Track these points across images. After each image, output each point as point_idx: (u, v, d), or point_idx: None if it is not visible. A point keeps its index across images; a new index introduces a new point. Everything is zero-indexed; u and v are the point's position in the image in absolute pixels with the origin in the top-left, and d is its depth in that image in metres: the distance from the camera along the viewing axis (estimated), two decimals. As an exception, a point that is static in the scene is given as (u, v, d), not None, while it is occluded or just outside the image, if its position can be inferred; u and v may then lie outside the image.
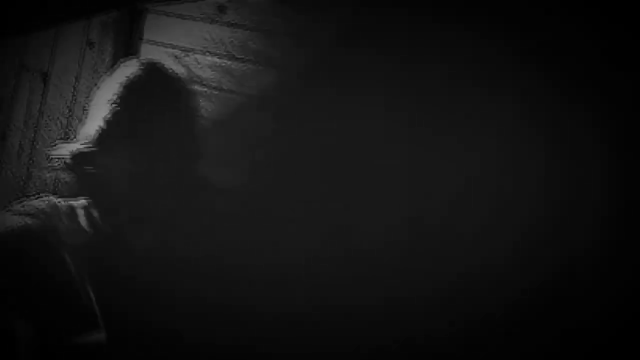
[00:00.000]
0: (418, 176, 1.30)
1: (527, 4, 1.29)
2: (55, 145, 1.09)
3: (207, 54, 1.35)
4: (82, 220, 1.12)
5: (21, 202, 1.14)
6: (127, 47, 1.40)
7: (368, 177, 1.30)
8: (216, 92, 1.33)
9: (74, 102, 1.43)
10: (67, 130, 1.44)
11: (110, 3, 1.27)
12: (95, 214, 1.10)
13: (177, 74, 1.12)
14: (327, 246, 1.24)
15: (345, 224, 1.27)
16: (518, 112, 1.30)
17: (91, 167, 1.05)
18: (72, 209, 1.14)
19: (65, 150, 1.07)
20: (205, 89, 1.34)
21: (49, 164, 1.36)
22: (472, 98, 1.31)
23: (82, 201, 1.13)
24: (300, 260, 1.23)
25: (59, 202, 1.15)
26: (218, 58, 1.34)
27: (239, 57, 1.31)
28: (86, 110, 1.11)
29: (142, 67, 1.11)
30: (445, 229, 1.28)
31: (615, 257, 1.23)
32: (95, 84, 1.32)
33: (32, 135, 1.34)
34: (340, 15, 1.29)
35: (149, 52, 1.42)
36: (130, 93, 1.08)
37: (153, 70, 1.12)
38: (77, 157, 1.05)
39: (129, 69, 1.11)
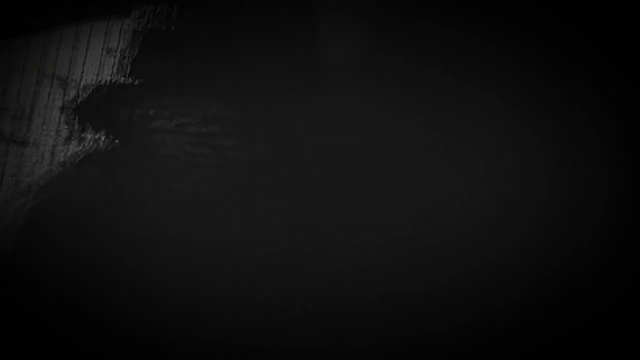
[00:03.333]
0: (423, 176, 1.30)
1: (529, 15, 1.30)
2: None
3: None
4: None
5: None
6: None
7: (375, 177, 1.30)
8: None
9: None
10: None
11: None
12: None
13: None
14: (331, 243, 1.24)
15: (349, 222, 1.27)
16: (519, 113, 1.30)
17: None
18: None
19: None
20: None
21: None
22: (475, 99, 1.31)
23: None
24: (303, 257, 1.23)
25: None
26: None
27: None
28: None
29: None
30: (449, 227, 1.28)
31: (614, 257, 1.24)
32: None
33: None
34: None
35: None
36: None
37: None
38: None
39: None
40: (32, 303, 1.12)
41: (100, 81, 1.25)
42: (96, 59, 1.26)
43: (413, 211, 1.28)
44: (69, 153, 1.22)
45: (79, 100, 1.25)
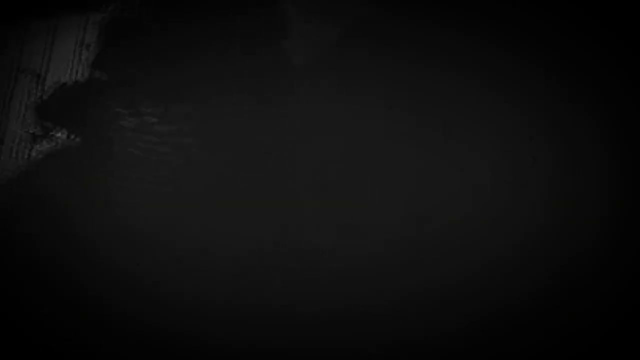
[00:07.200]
0: (420, 176, 1.30)
1: (529, 14, 1.30)
2: None
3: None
4: None
5: None
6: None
7: (373, 177, 1.30)
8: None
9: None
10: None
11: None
12: None
13: None
14: (333, 245, 1.25)
15: (350, 223, 1.27)
16: (519, 112, 1.30)
17: None
18: None
19: None
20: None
21: None
22: (474, 99, 1.31)
23: None
24: (305, 259, 1.23)
25: None
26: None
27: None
28: None
29: None
30: (450, 228, 1.28)
31: (615, 257, 1.23)
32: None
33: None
34: (346, 17, 1.29)
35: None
36: None
37: None
38: None
39: None
40: (32, 303, 1.14)
41: (72, 78, 1.26)
42: (70, 55, 1.27)
43: (415, 212, 1.29)
44: (38, 150, 1.23)
45: (50, 97, 1.25)
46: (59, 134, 1.20)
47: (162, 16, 1.20)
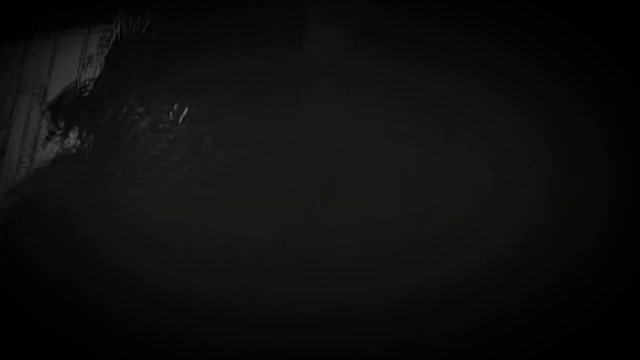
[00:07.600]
0: (420, 176, 1.30)
1: (529, 14, 1.30)
2: None
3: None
4: None
5: None
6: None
7: (372, 177, 1.30)
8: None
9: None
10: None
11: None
12: None
13: None
14: (333, 244, 1.25)
15: (350, 223, 1.27)
16: (519, 112, 1.30)
17: None
18: None
19: None
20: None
21: None
22: (474, 99, 1.30)
23: None
24: (305, 259, 1.23)
25: None
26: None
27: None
28: None
29: None
30: (447, 229, 1.28)
31: (615, 257, 1.23)
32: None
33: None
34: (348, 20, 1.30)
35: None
36: None
37: None
38: None
39: None
40: (32, 303, 1.14)
41: (76, 88, 1.26)
42: (73, 67, 1.27)
43: (415, 212, 1.29)
44: (48, 157, 1.23)
45: (55, 106, 1.25)
46: (65, 141, 1.21)
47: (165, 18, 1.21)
